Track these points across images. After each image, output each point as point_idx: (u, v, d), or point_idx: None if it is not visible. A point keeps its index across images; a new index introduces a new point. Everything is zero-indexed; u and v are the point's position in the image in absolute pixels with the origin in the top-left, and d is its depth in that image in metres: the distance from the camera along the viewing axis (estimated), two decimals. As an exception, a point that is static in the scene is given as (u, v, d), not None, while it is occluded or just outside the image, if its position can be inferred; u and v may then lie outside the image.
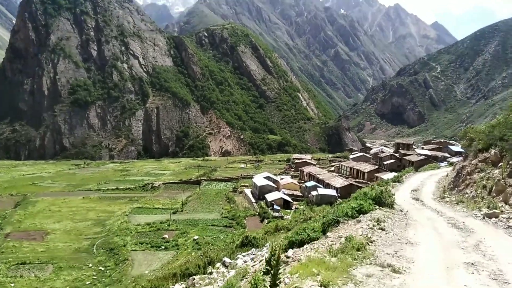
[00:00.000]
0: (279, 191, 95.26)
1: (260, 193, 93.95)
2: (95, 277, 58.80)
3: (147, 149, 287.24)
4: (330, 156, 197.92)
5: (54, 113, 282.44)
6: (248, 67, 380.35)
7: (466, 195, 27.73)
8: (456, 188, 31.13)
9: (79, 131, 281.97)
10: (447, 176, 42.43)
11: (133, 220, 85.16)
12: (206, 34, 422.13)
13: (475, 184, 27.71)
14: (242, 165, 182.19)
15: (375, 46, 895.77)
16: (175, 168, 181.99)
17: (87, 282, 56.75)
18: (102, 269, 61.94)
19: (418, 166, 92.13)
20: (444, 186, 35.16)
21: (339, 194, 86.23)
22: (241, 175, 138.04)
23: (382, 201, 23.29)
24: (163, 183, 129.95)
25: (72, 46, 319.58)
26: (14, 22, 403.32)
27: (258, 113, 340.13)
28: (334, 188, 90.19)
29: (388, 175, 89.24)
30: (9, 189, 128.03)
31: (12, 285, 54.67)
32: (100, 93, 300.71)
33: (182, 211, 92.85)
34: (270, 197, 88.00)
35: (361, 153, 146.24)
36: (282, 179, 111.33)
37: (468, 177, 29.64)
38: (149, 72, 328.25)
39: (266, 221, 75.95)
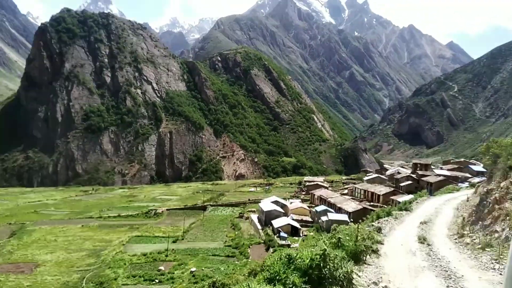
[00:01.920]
0: (288, 217, 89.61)
1: (266, 219, 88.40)
2: None
3: (160, 173, 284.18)
4: (344, 178, 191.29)
5: (68, 140, 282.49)
6: (262, 90, 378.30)
7: (496, 234, 20.27)
8: (480, 222, 23.42)
9: (92, 157, 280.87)
10: (467, 200, 36.08)
11: (130, 250, 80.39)
12: (219, 59, 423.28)
13: (508, 219, 20.17)
14: (252, 189, 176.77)
15: (390, 67, 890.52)
16: (183, 193, 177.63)
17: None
18: None
19: (437, 187, 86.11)
20: (464, 218, 27.26)
21: (351, 220, 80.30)
22: (249, 199, 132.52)
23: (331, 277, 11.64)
24: (167, 209, 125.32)
25: (86, 73, 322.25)
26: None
27: (272, 135, 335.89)
28: (347, 212, 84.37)
29: (405, 198, 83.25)
30: (10, 217, 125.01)
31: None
32: (114, 118, 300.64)
33: (183, 239, 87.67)
34: (276, 223, 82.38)
35: (376, 175, 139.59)
36: (291, 203, 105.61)
37: (496, 206, 22.14)
38: (163, 97, 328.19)
39: (271, 250, 70.35)
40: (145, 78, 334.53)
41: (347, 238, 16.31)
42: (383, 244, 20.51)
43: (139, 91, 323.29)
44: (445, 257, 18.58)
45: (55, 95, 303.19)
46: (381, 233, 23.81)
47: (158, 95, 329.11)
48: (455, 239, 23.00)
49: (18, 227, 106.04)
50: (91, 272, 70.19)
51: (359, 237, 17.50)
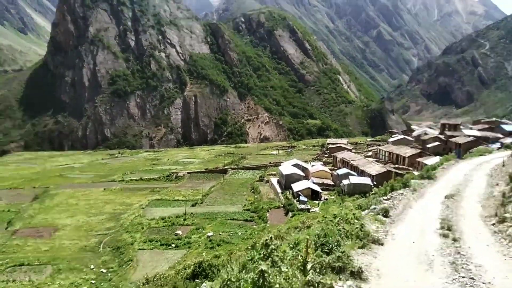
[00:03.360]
0: (308, 180, 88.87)
1: (286, 182, 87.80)
2: (93, 282, 54.19)
3: (186, 137, 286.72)
4: (368, 140, 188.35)
5: (95, 104, 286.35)
6: (286, 51, 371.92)
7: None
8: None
9: (119, 121, 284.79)
10: (503, 165, 30.28)
11: (149, 213, 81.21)
12: (243, 20, 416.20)
13: None
14: (274, 152, 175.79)
15: (419, 25, 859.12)
16: (206, 156, 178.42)
17: (83, 288, 52.76)
18: (104, 271, 57.70)
19: (466, 149, 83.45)
20: (504, 193, 20.56)
21: (374, 182, 79.18)
22: (270, 162, 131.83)
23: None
24: (188, 173, 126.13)
25: (110, 37, 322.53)
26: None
27: (297, 97, 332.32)
28: (370, 175, 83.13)
29: (432, 160, 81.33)
30: (35, 181, 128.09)
31: (2, 291, 51.60)
32: (139, 82, 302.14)
33: (202, 203, 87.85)
34: (296, 187, 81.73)
35: (402, 136, 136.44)
36: (312, 166, 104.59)
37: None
38: (186, 60, 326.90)
39: (290, 214, 70.14)
40: (168, 41, 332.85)
41: (287, 268, 8.47)
42: (382, 244, 14.29)
43: (163, 54, 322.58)
44: (482, 268, 12.09)
45: (81, 59, 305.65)
46: (388, 217, 18.37)
47: (182, 58, 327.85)
48: (493, 224, 17.17)
49: (42, 191, 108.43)
50: (109, 236, 71.25)
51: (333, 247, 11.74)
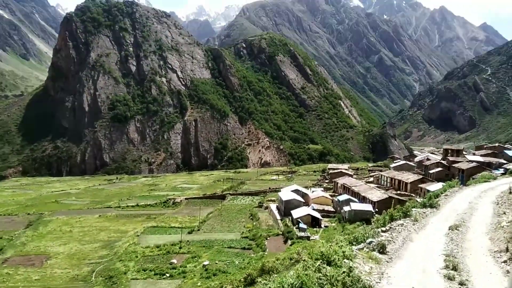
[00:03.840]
0: (308, 206, 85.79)
1: (286, 208, 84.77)
2: None
3: (186, 162, 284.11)
4: (370, 165, 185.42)
5: (95, 129, 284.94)
6: (287, 76, 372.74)
7: None
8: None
9: (119, 146, 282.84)
10: (510, 193, 28.84)
11: (144, 241, 78.54)
12: (244, 45, 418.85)
13: None
14: (274, 177, 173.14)
15: (420, 51, 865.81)
16: (204, 182, 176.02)
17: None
18: None
19: (469, 174, 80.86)
20: None
21: (376, 209, 76.05)
22: (270, 188, 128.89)
23: None
24: (185, 199, 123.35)
25: (112, 62, 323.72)
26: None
27: (298, 122, 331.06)
28: (371, 202, 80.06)
29: (435, 186, 78.48)
30: (30, 207, 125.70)
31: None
32: (139, 107, 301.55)
33: (199, 230, 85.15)
34: (296, 213, 78.71)
35: (404, 161, 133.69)
36: (313, 192, 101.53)
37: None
38: (187, 85, 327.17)
39: (290, 242, 67.02)
40: (170, 66, 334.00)
41: None
42: None
43: (164, 79, 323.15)
44: None
45: (82, 84, 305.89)
46: (385, 254, 16.02)
47: (183, 83, 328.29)
48: (504, 262, 14.99)
49: (36, 218, 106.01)
50: (102, 265, 68.65)
51: None
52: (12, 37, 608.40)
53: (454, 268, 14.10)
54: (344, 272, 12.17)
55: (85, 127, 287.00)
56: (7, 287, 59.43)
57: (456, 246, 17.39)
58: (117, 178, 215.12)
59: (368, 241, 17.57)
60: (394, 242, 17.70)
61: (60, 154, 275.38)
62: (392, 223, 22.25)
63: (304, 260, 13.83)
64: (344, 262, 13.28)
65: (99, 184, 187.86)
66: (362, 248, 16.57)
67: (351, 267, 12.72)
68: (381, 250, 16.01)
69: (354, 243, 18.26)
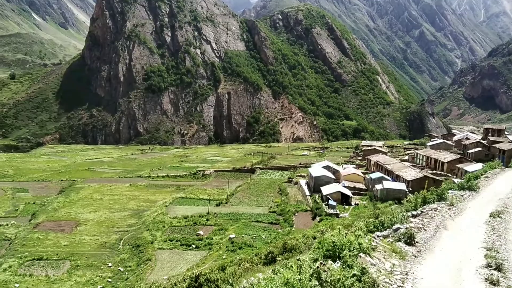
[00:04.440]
0: (339, 183, 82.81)
1: (315, 185, 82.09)
2: (110, 280, 51.97)
3: (218, 135, 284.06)
4: (405, 143, 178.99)
5: (129, 99, 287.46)
6: (324, 49, 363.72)
7: None
8: None
9: (152, 116, 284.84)
10: None
11: (172, 211, 78.09)
12: (280, 17, 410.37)
13: None
14: (305, 153, 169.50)
15: (464, 26, 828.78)
16: (235, 155, 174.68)
17: (99, 287, 49.80)
18: (122, 269, 54.99)
19: (510, 155, 76.29)
20: None
21: (410, 189, 72.41)
22: (300, 163, 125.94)
23: None
24: (215, 171, 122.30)
25: (147, 32, 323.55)
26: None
27: (332, 97, 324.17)
28: (405, 181, 76.32)
29: (474, 166, 74.00)
30: (64, 174, 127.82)
31: (17, 285, 49.26)
32: (173, 78, 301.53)
33: (226, 203, 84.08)
34: (325, 190, 75.99)
35: (442, 140, 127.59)
36: (344, 168, 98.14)
37: None
38: (221, 57, 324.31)
39: (318, 218, 64.75)
40: (204, 37, 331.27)
41: None
42: None
43: (198, 51, 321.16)
44: None
45: (117, 54, 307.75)
46: (413, 245, 13.45)
47: (217, 55, 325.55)
48: None
49: (68, 184, 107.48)
50: (130, 233, 68.58)
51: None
52: (52, 6, 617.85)
53: (498, 268, 11.74)
54: (354, 275, 9.51)
55: (120, 97, 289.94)
56: (37, 251, 60.17)
57: (499, 238, 15.10)
58: (149, 148, 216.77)
59: (395, 227, 15.34)
60: (425, 230, 15.47)
61: (96, 123, 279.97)
62: (424, 206, 20.17)
63: (298, 260, 11.09)
64: (359, 257, 10.85)
65: (132, 154, 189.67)
66: (387, 236, 14.34)
67: (364, 268, 9.96)
68: (408, 241, 13.80)
69: (379, 227, 16.15)
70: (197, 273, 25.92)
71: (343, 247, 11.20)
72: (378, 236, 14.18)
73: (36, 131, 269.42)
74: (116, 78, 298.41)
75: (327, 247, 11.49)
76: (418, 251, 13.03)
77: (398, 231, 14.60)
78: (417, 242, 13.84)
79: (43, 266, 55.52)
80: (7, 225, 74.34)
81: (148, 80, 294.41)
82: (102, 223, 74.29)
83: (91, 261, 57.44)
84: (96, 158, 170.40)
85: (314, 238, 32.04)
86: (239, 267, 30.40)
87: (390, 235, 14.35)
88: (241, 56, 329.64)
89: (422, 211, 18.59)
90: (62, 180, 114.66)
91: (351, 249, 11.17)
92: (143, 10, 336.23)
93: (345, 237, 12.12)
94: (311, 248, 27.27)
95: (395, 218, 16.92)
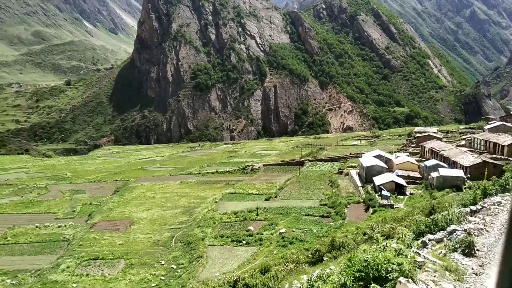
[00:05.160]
0: (392, 172, 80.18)
1: (367, 175, 79.84)
2: (163, 278, 52.82)
3: (266, 128, 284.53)
4: (461, 127, 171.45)
5: (178, 98, 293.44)
6: (370, 36, 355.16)
7: None
8: None
9: (201, 114, 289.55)
10: None
11: (222, 207, 78.45)
12: (324, 6, 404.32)
13: None
14: (355, 142, 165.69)
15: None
16: (283, 148, 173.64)
17: (153, 285, 50.95)
18: (174, 267, 55.92)
19: None
20: None
21: (468, 175, 69.09)
22: (351, 153, 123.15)
23: None
24: (263, 165, 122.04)
25: (192, 32, 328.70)
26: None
27: (382, 84, 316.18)
28: (462, 167, 72.94)
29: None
30: (118, 174, 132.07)
31: (75, 285, 51.22)
32: (220, 75, 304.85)
33: (276, 197, 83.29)
34: (378, 180, 73.67)
35: (500, 122, 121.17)
36: (397, 157, 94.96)
37: None
38: (266, 51, 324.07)
39: (371, 210, 62.92)
40: (248, 32, 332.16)
41: None
42: None
43: (243, 46, 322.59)
44: None
45: (165, 55, 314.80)
46: (473, 256, 10.98)
47: (262, 49, 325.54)
48: None
49: (122, 184, 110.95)
50: (181, 230, 69.67)
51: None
52: (101, 13, 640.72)
53: None
54: None
55: (169, 97, 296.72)
56: (93, 251, 62.28)
57: None
58: (199, 145, 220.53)
59: (450, 228, 12.83)
60: (487, 231, 12.66)
61: (148, 123, 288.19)
62: (485, 200, 17.34)
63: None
64: (399, 283, 8.67)
65: (182, 151, 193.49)
66: (441, 240, 12.03)
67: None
68: (467, 251, 11.00)
69: (432, 227, 14.20)
70: (235, 278, 25.55)
71: (378, 267, 9.52)
72: (430, 240, 12.23)
73: (92, 134, 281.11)
74: (165, 79, 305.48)
75: (358, 266, 10.08)
76: (480, 265, 10.37)
77: (454, 234, 12.23)
78: (478, 250, 11.18)
79: (99, 266, 57.34)
80: (65, 226, 77.45)
81: (196, 79, 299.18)
82: (155, 221, 75.97)
83: (145, 259, 58.75)
84: (148, 157, 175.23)
85: (364, 234, 30.99)
86: (283, 268, 30.07)
87: (444, 240, 12.10)
88: (285, 49, 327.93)
89: (482, 206, 16.06)
90: (116, 180, 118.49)
91: (390, 269, 9.25)
92: (187, 10, 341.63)
93: (381, 254, 10.33)
94: (359, 244, 26.32)
95: (450, 216, 14.82)
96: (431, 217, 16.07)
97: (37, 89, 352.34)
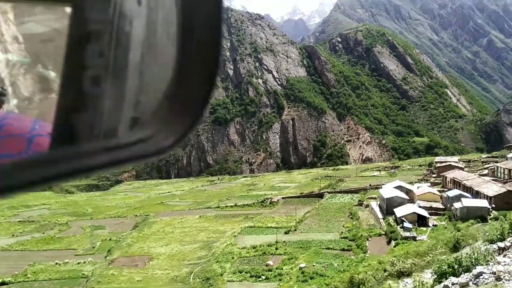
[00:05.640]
0: (413, 204, 78.95)
1: (388, 206, 78.64)
2: None
3: (285, 161, 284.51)
4: (483, 156, 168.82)
5: (198, 133, 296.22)
6: (387, 67, 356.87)
7: None
8: None
9: (221, 148, 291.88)
10: None
11: (241, 242, 77.78)
12: (339, 40, 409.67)
13: None
14: (375, 173, 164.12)
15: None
16: (302, 180, 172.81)
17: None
18: None
19: None
20: None
21: (493, 205, 67.69)
22: (370, 185, 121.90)
23: None
24: (282, 198, 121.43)
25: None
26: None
27: (400, 115, 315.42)
28: (486, 197, 71.56)
29: None
30: (138, 209, 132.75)
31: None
32: (238, 109, 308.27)
33: (295, 230, 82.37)
34: (399, 211, 72.50)
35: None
36: (418, 188, 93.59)
37: None
38: (283, 85, 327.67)
39: (393, 242, 61.72)
40: (265, 67, 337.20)
41: None
42: None
43: (260, 80, 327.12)
44: None
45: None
46: None
47: (279, 82, 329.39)
48: None
49: (142, 219, 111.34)
50: (200, 266, 69.18)
51: None
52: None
53: None
54: None
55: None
56: (112, 288, 62.23)
57: None
58: (218, 179, 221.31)
59: (476, 271, 11.26)
60: None
61: (168, 158, 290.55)
62: None
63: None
64: None
65: (202, 185, 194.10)
66: (466, 285, 10.87)
67: None
68: None
69: (456, 267, 12.62)
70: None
71: None
72: (453, 285, 10.98)
73: (114, 170, 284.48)
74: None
75: None
76: None
77: (481, 278, 10.60)
78: None
79: (118, 304, 57.34)
80: (84, 262, 77.53)
81: (215, 113, 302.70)
82: (174, 257, 75.56)
83: (163, 296, 58.57)
84: (168, 192, 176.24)
85: (385, 271, 30.34)
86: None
87: (470, 284, 10.67)
88: (302, 82, 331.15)
89: None
90: (136, 215, 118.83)
91: None
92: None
93: None
94: (381, 283, 25.83)
95: (476, 254, 13.27)
96: (455, 255, 14.96)
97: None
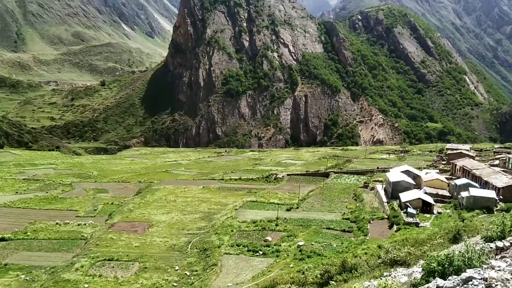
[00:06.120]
0: (420, 189, 77.04)
1: (393, 191, 76.83)
2: (175, 284, 51.59)
3: (294, 138, 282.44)
4: (496, 146, 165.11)
5: (209, 103, 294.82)
6: (406, 49, 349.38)
7: None
8: None
9: (230, 120, 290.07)
10: None
11: (241, 215, 76.86)
12: (359, 18, 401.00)
13: None
14: (384, 156, 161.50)
15: None
16: (309, 158, 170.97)
17: (164, 291, 49.83)
18: (187, 273, 54.67)
19: None
20: None
21: (500, 197, 65.66)
22: (378, 167, 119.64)
23: None
24: (287, 174, 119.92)
25: (226, 38, 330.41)
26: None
27: (415, 98, 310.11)
28: (495, 188, 69.41)
29: None
30: (142, 175, 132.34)
31: (86, 286, 50.57)
32: (251, 82, 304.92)
33: (298, 208, 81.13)
34: (404, 196, 70.70)
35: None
36: (426, 173, 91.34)
37: None
38: (299, 60, 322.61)
39: (395, 227, 60.23)
40: (281, 41, 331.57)
41: None
42: None
43: (275, 54, 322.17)
44: None
45: (198, 60, 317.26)
46: None
47: (294, 57, 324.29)
48: None
49: (146, 186, 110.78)
50: (198, 236, 68.55)
51: None
52: (140, 16, 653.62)
53: None
54: None
55: (200, 101, 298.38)
56: (109, 252, 61.72)
57: None
58: (225, 151, 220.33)
59: (465, 275, 9.49)
60: None
61: (178, 127, 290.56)
62: None
63: None
64: None
65: (208, 156, 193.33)
66: None
67: None
68: None
69: (446, 266, 11.36)
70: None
71: None
72: None
73: (123, 135, 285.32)
74: (197, 83, 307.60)
75: None
76: None
77: (470, 284, 8.98)
78: None
79: (113, 267, 56.49)
80: (85, 224, 77.37)
81: (227, 85, 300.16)
82: (173, 225, 75.09)
83: (159, 263, 57.73)
84: (175, 161, 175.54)
85: (379, 257, 28.85)
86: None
87: None
88: (318, 58, 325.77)
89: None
90: (140, 182, 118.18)
91: None
92: (222, 17, 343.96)
93: None
94: (374, 269, 24.37)
95: (470, 253, 11.72)
96: (446, 252, 13.26)
97: (73, 88, 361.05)
